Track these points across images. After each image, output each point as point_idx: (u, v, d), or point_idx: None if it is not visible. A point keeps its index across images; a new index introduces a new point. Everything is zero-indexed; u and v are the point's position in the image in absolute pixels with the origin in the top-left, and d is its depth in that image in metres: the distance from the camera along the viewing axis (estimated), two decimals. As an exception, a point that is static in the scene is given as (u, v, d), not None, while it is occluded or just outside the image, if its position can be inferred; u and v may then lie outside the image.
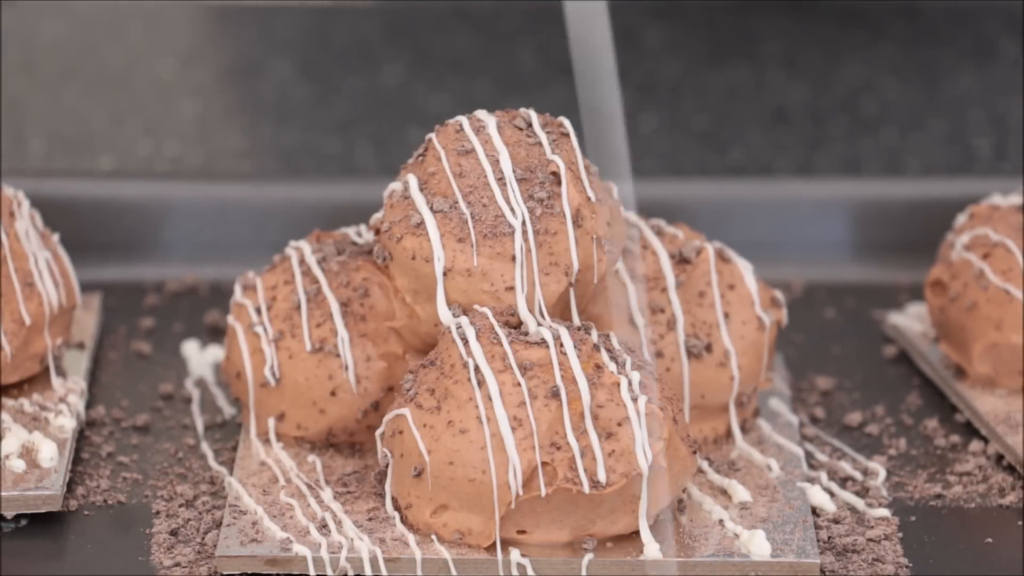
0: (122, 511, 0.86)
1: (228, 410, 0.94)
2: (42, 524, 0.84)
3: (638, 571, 0.80)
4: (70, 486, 0.86)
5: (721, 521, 0.83)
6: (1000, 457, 0.91)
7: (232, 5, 1.50)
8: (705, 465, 0.87)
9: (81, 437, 0.91)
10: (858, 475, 0.89)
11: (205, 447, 0.91)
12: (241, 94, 1.34)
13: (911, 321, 1.02)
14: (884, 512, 0.86)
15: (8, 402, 0.90)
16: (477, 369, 0.80)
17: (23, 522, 0.84)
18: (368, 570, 0.80)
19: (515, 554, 0.80)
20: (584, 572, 0.80)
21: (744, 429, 0.91)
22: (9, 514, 0.84)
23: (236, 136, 1.26)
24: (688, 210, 1.07)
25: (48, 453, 0.86)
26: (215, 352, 0.99)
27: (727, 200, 1.11)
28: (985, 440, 0.92)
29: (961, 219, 0.98)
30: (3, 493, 0.83)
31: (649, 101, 1.32)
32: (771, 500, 0.85)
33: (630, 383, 0.81)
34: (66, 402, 0.91)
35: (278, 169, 1.22)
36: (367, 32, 1.44)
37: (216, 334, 1.02)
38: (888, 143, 1.10)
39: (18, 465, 0.85)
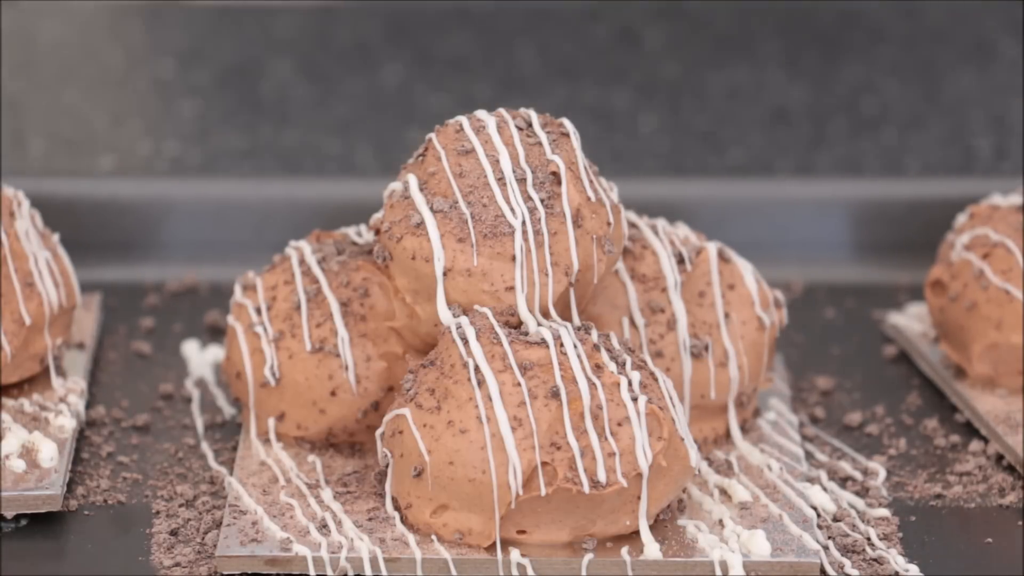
0: (122, 511, 0.85)
1: (228, 410, 0.94)
2: (42, 524, 0.84)
3: (638, 571, 0.80)
4: (70, 486, 0.86)
5: (721, 521, 0.83)
6: (1000, 457, 0.91)
7: (232, 5, 1.50)
8: (705, 465, 0.87)
9: (81, 437, 0.91)
10: (858, 475, 0.89)
11: (205, 447, 0.91)
12: (241, 94, 1.34)
13: (911, 321, 1.02)
14: (884, 512, 0.86)
15: (8, 402, 0.90)
16: (477, 369, 0.80)
17: (23, 522, 0.84)
18: (368, 570, 0.80)
19: (515, 554, 0.80)
20: (584, 572, 0.80)
21: (744, 429, 0.91)
22: (9, 514, 0.84)
23: (236, 136, 1.26)
24: (688, 210, 1.07)
25: (48, 453, 0.86)
26: (215, 352, 0.99)
27: (727, 200, 1.11)
28: (985, 440, 0.92)
29: (961, 219, 0.98)
30: (3, 493, 0.83)
31: (649, 101, 1.32)
32: (771, 500, 0.85)
33: (630, 383, 0.81)
34: (66, 402, 0.91)
35: (278, 169, 1.22)
36: (367, 32, 1.44)
37: (216, 334, 1.02)
38: (888, 143, 1.10)
39: (18, 465, 0.85)
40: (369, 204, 0.92)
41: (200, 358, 0.98)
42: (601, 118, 1.29)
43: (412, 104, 1.31)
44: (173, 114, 1.29)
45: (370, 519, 0.82)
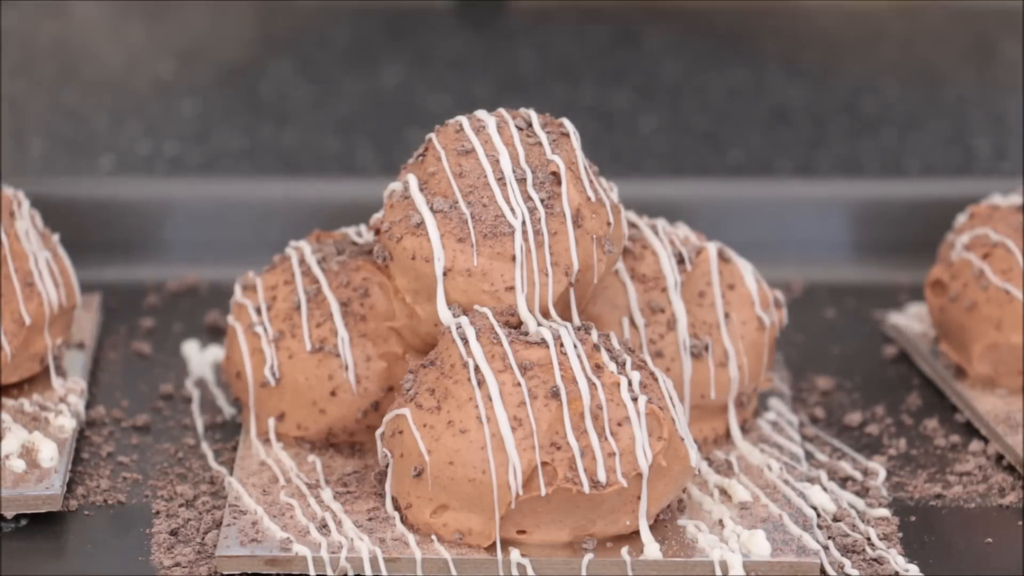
0: (122, 511, 0.85)
1: (228, 410, 0.94)
2: (42, 524, 0.84)
3: (638, 571, 0.80)
4: (70, 486, 0.86)
5: (721, 521, 0.83)
6: (1000, 457, 0.91)
7: (232, 5, 1.50)
8: (705, 465, 0.87)
9: (81, 437, 0.91)
10: (858, 475, 0.89)
11: (205, 447, 0.91)
12: (241, 94, 1.34)
13: (911, 321, 1.02)
14: (884, 512, 0.86)
15: (8, 402, 0.90)
16: (477, 369, 0.80)
17: (23, 522, 0.84)
18: (368, 570, 0.80)
19: (515, 554, 0.80)
20: (584, 572, 0.80)
21: (744, 429, 0.91)
22: (9, 514, 0.84)
23: (236, 136, 1.26)
24: (688, 210, 1.07)
25: (48, 453, 0.86)
26: (215, 352, 0.98)
27: (727, 200, 1.11)
28: (985, 440, 0.92)
29: (961, 219, 0.98)
30: (3, 493, 0.83)
31: (649, 101, 1.32)
32: (771, 500, 0.85)
33: (630, 383, 0.81)
34: (66, 402, 0.91)
35: (278, 169, 1.22)
36: (367, 32, 1.44)
37: (216, 334, 1.02)
38: (888, 143, 1.10)
39: (18, 465, 0.85)
40: (369, 204, 0.92)
41: (200, 358, 0.98)
42: (601, 118, 1.29)
43: (412, 104, 1.31)
44: (173, 114, 1.29)
45: (370, 519, 0.82)
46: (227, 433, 0.92)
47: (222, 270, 1.05)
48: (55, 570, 0.82)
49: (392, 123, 1.28)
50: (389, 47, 1.41)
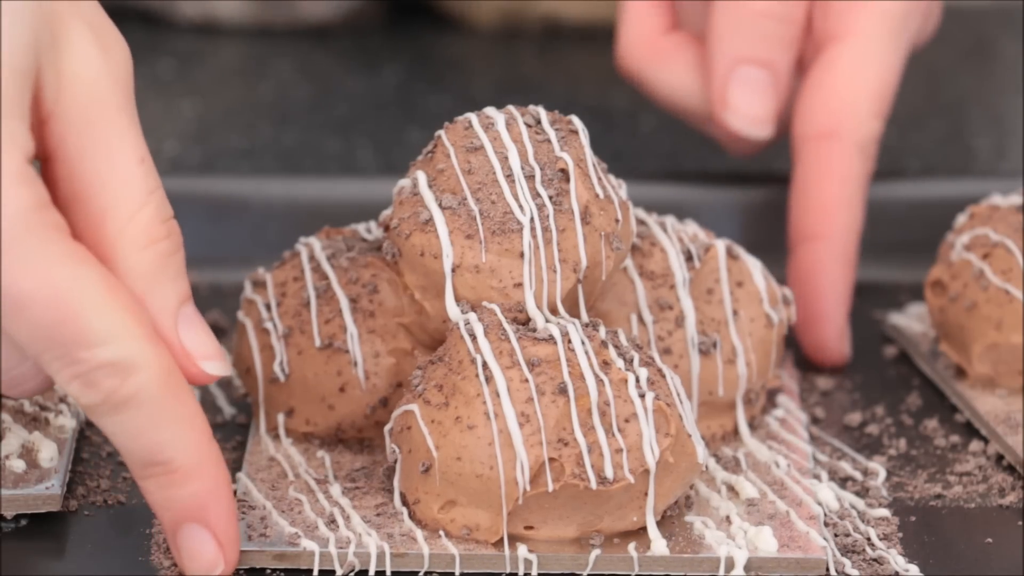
0: (122, 511, 0.85)
1: (228, 410, 0.94)
2: (42, 524, 0.84)
3: (645, 567, 0.80)
4: (70, 486, 0.86)
5: (728, 517, 0.83)
6: (1000, 457, 0.91)
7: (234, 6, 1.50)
8: (713, 462, 0.87)
9: (81, 437, 0.90)
10: (858, 475, 0.89)
11: (206, 446, 0.90)
12: (241, 94, 1.33)
13: (911, 321, 1.02)
14: (884, 512, 0.86)
15: (8, 402, 0.90)
16: (485, 365, 0.80)
17: (23, 522, 0.84)
18: (376, 565, 0.80)
19: (522, 549, 0.80)
20: (591, 567, 0.80)
21: (752, 426, 0.91)
22: (9, 514, 0.83)
23: (236, 136, 1.26)
24: (688, 210, 1.07)
25: (48, 453, 0.85)
26: (215, 351, 0.98)
27: (727, 200, 1.11)
28: (985, 440, 0.92)
29: (961, 219, 0.98)
30: (3, 493, 0.83)
31: (649, 101, 1.32)
32: (778, 496, 0.85)
33: (638, 379, 0.81)
34: (66, 402, 0.91)
35: (278, 169, 1.21)
36: (367, 32, 1.44)
37: (216, 334, 1.01)
38: (888, 143, 1.10)
39: (18, 465, 0.85)
40: (369, 204, 0.92)
41: (201, 357, 0.98)
42: (601, 118, 1.29)
43: (412, 104, 1.31)
44: (173, 114, 1.29)
45: (378, 514, 0.82)
46: (227, 433, 0.92)
47: (222, 270, 1.05)
48: (55, 570, 0.81)
49: (392, 123, 1.28)
50: (389, 47, 1.41)
